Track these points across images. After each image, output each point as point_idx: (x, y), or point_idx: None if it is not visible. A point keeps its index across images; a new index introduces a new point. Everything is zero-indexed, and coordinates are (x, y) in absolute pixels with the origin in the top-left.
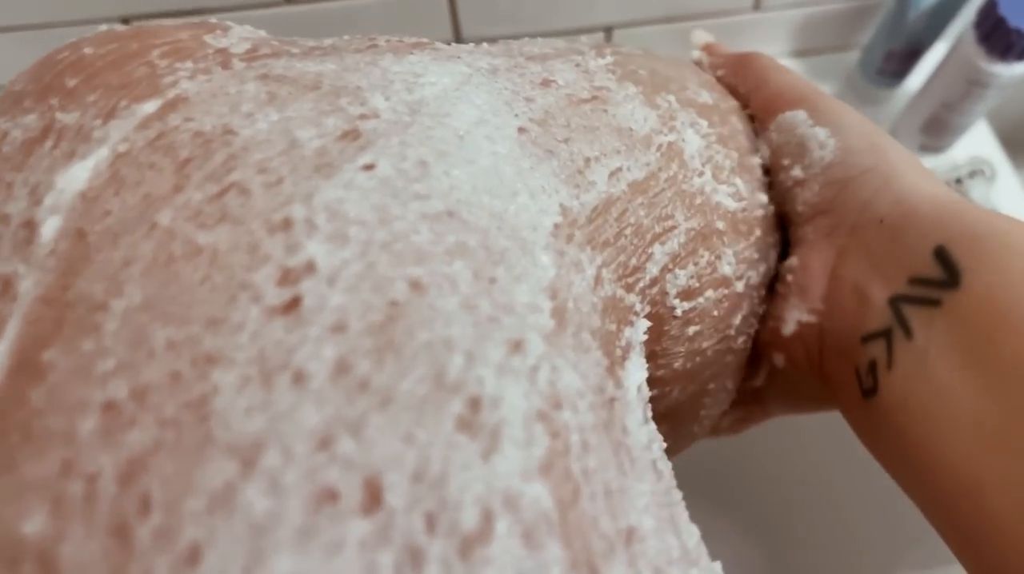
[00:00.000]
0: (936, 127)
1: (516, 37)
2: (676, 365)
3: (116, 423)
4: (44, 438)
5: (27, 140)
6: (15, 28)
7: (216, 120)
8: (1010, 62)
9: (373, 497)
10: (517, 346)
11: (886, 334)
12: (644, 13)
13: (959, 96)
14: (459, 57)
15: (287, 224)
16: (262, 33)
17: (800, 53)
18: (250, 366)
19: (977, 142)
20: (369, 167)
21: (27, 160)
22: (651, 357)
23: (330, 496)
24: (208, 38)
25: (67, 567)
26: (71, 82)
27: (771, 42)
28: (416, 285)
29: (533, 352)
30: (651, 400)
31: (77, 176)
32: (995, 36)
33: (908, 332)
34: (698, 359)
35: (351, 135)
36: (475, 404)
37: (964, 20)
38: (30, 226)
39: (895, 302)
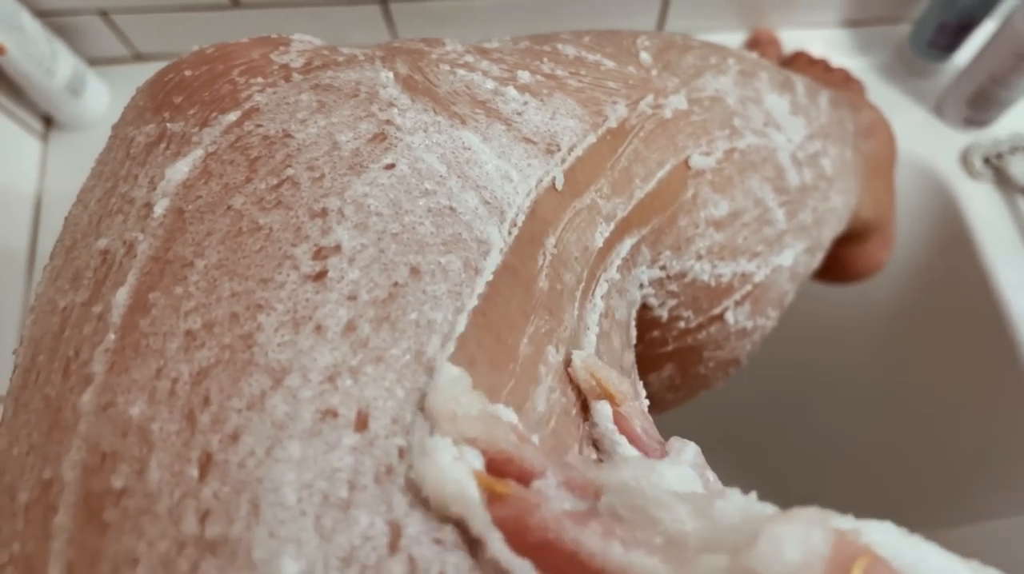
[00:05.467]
0: (982, 100)
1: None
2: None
3: (192, 345)
4: (146, 352)
5: (148, 144)
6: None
7: (279, 126)
8: None
9: (362, 421)
10: None
11: None
12: None
13: (1007, 70)
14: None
15: (324, 213)
16: (316, 41)
17: (851, 23)
18: (286, 315)
19: (1021, 119)
20: (390, 167)
21: (147, 158)
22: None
23: (332, 413)
24: (274, 55)
25: (156, 439)
26: (177, 99)
27: (821, 10)
28: (415, 271)
29: None
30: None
31: (180, 170)
32: None
33: None
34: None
35: (379, 138)
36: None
37: None
38: (148, 206)
39: None
